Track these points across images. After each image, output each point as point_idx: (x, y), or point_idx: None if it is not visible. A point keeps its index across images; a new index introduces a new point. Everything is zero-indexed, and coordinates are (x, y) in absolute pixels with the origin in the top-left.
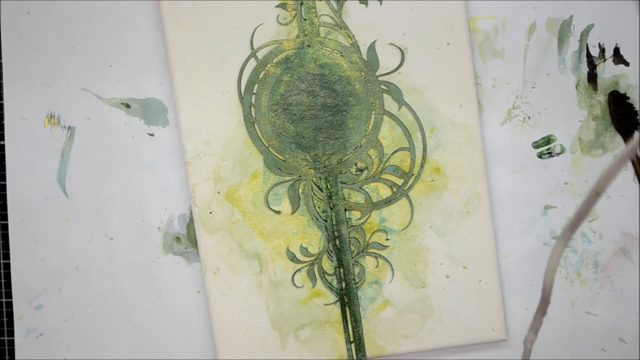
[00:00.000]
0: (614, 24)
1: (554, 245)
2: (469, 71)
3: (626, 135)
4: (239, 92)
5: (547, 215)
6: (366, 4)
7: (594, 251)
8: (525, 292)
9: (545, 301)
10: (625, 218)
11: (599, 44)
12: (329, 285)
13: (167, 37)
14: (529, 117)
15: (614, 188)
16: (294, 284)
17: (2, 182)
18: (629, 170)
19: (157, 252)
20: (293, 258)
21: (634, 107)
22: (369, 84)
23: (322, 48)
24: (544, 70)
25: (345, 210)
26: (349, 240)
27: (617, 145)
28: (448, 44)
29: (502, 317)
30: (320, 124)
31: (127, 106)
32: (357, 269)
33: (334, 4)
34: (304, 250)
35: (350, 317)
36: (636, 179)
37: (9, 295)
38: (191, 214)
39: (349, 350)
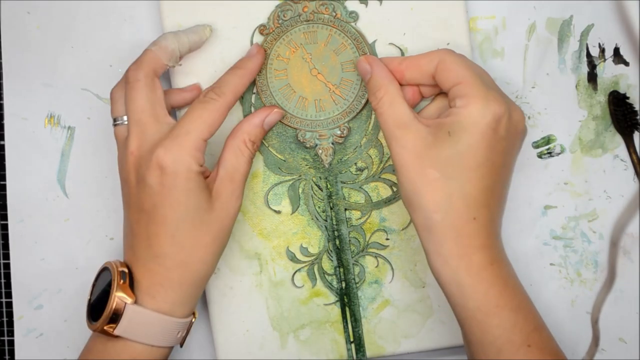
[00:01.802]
0: (614, 24)
1: (619, 217)
2: None
3: (626, 135)
4: None
5: (547, 215)
6: (366, 4)
7: (594, 251)
8: None
9: (611, 278)
10: None
11: (599, 44)
12: (329, 285)
13: None
14: (529, 117)
15: (614, 188)
16: (294, 283)
17: (2, 182)
18: (629, 171)
19: None
20: (293, 258)
21: (634, 107)
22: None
23: None
24: (544, 70)
25: (345, 210)
26: (349, 240)
27: (617, 145)
28: (448, 43)
29: None
30: None
31: None
32: (357, 269)
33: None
34: (304, 250)
35: (350, 317)
36: (636, 179)
37: (9, 295)
38: None
39: (349, 350)
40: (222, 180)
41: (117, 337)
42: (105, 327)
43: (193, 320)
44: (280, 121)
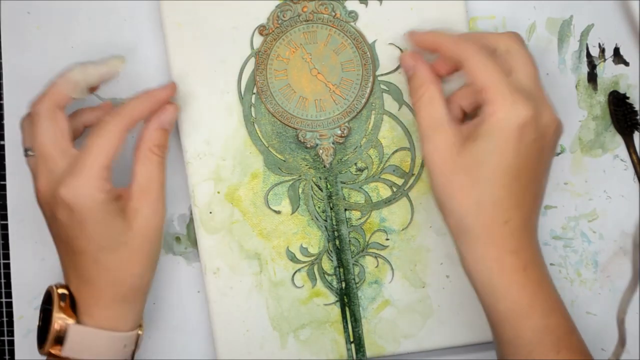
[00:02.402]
0: (614, 24)
1: None
2: None
3: (626, 135)
4: (239, 92)
5: (547, 215)
6: (366, 4)
7: (594, 251)
8: None
9: (635, 278)
10: (625, 218)
11: (599, 44)
12: (329, 285)
13: (167, 37)
14: None
15: (614, 188)
16: (294, 284)
17: (2, 182)
18: (629, 171)
19: None
20: (293, 258)
21: (634, 107)
22: None
23: None
24: (544, 70)
25: (345, 210)
26: (349, 240)
27: (617, 145)
28: None
29: None
30: None
31: None
32: (357, 269)
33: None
34: (304, 250)
35: (350, 317)
36: (636, 179)
37: (9, 295)
38: (191, 214)
39: (348, 350)
40: (135, 194)
41: (66, 358)
42: (51, 350)
43: (140, 332)
44: (280, 121)
